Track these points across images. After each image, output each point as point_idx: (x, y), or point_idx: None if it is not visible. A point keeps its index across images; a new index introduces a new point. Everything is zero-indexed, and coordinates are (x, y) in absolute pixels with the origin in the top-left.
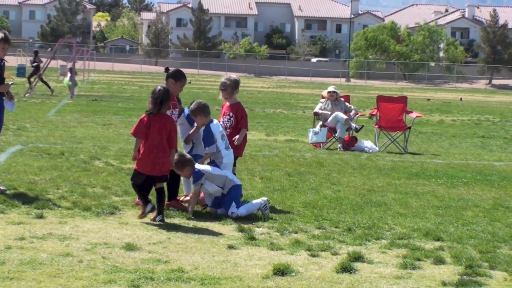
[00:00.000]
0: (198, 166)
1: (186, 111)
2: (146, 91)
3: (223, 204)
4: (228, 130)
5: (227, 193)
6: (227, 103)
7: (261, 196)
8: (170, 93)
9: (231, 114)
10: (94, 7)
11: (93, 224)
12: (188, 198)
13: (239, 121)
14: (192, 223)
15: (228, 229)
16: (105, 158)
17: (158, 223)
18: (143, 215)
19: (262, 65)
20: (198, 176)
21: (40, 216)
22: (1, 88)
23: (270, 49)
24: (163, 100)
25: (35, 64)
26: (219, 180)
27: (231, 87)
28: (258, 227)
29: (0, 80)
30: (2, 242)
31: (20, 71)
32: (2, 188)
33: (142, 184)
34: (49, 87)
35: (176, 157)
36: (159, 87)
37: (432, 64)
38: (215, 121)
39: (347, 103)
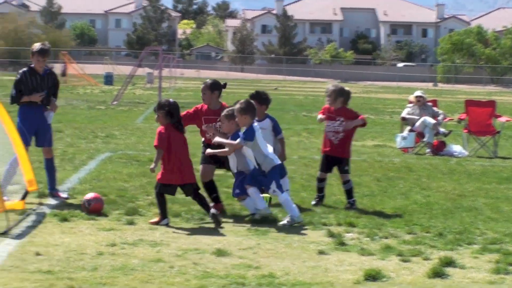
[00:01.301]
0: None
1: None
2: (233, 98)
3: (263, 183)
4: (341, 134)
5: (268, 172)
6: (332, 108)
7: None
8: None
9: (341, 119)
10: (179, 14)
11: (184, 230)
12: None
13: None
14: (281, 229)
15: (318, 234)
16: (194, 165)
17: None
18: (154, 224)
19: (348, 71)
20: (250, 135)
21: (131, 223)
22: (33, 98)
23: (355, 55)
24: (172, 111)
25: None
26: (260, 154)
27: (335, 93)
28: (348, 233)
29: (52, 92)
30: (94, 248)
31: (108, 79)
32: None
33: (164, 195)
34: None
35: (224, 111)
36: (170, 100)
37: None
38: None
39: (434, 108)
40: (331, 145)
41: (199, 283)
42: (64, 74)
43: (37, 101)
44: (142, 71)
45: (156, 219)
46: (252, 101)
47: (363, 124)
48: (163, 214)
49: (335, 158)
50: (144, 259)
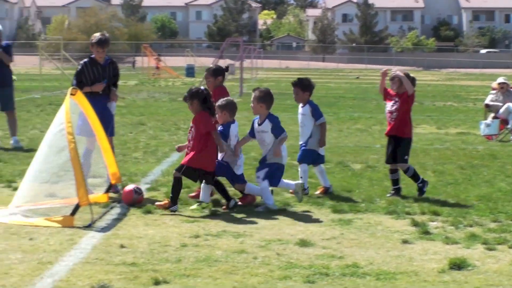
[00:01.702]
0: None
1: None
2: (315, 88)
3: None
4: (394, 114)
5: (268, 164)
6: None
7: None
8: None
9: (397, 99)
10: (260, 5)
11: (267, 221)
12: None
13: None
14: (365, 219)
15: (401, 223)
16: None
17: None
18: (161, 207)
19: (430, 58)
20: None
21: (214, 214)
22: (94, 88)
23: (437, 42)
24: (207, 98)
25: None
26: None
27: (401, 80)
28: (432, 221)
29: (112, 82)
30: (178, 240)
31: (189, 71)
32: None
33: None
34: None
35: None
36: (201, 87)
37: None
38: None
39: None
40: (389, 125)
41: (283, 274)
42: (157, 67)
43: (99, 91)
44: (223, 62)
45: (164, 202)
46: (270, 91)
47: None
48: (175, 200)
49: (395, 138)
50: (227, 250)
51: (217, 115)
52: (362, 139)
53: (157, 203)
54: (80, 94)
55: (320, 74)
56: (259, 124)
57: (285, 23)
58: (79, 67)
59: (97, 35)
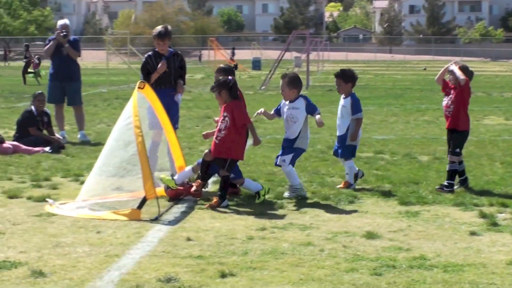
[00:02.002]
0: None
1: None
2: (381, 80)
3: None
4: (451, 107)
5: (294, 148)
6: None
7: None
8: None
9: (452, 92)
10: None
11: (333, 213)
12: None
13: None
14: (432, 210)
15: (469, 215)
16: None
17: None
18: (212, 207)
19: (498, 49)
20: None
21: (281, 206)
22: (159, 69)
23: (505, 32)
24: (235, 88)
25: (26, 58)
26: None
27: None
28: (500, 213)
29: (178, 74)
30: (244, 232)
31: (255, 64)
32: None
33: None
34: (24, 82)
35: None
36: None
37: None
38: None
39: None
40: (446, 119)
41: (349, 266)
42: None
43: (165, 70)
44: (290, 55)
45: (213, 201)
46: (298, 75)
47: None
48: (224, 196)
49: (453, 131)
50: (294, 243)
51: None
52: (429, 131)
53: (207, 204)
54: (148, 88)
55: (387, 66)
56: (291, 102)
57: (352, 15)
58: (144, 60)
59: (158, 28)
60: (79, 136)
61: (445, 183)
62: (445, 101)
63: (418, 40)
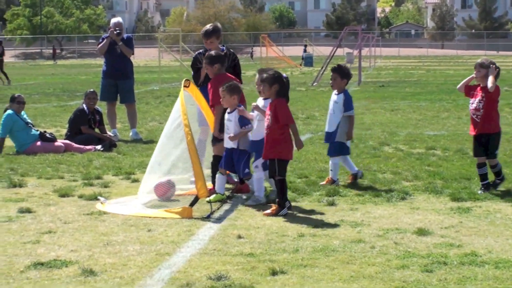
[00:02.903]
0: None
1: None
2: (433, 75)
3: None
4: (481, 111)
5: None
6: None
7: None
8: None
9: (483, 95)
10: None
11: (384, 210)
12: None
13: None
14: (484, 206)
15: None
16: (394, 144)
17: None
18: (271, 215)
19: None
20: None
21: (332, 204)
22: (203, 70)
23: None
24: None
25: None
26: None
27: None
28: None
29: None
30: (295, 230)
31: (308, 60)
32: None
33: None
34: (7, 78)
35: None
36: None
37: None
38: None
39: None
40: (474, 124)
41: (401, 263)
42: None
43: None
44: (342, 51)
45: (271, 209)
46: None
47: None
48: (284, 203)
49: (483, 135)
50: (345, 240)
51: (223, 99)
52: None
53: (264, 212)
54: (192, 86)
55: (439, 61)
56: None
57: (404, 10)
58: (193, 57)
59: (206, 26)
60: (131, 134)
61: (497, 180)
62: (473, 104)
63: (470, 35)
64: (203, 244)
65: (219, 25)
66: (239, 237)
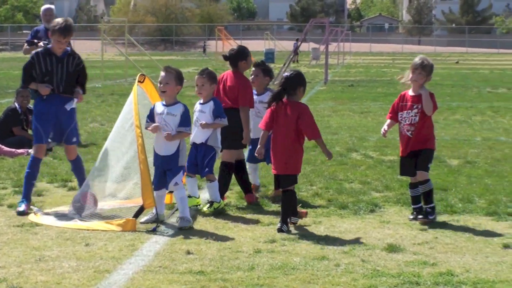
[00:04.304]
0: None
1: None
2: None
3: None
4: (415, 125)
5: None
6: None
7: None
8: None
9: (419, 106)
10: None
11: (351, 224)
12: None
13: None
14: (462, 221)
15: (503, 226)
16: (363, 150)
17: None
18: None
19: None
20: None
21: None
22: (40, 89)
23: None
24: None
25: None
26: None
27: (428, 68)
28: None
29: (73, 80)
30: (251, 245)
31: (269, 56)
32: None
33: None
34: None
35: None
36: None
37: None
38: None
39: None
40: (405, 141)
41: (368, 283)
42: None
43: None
44: (307, 46)
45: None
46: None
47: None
48: (286, 219)
49: (415, 152)
50: (306, 257)
51: (202, 87)
52: (460, 131)
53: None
54: (148, 81)
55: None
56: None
57: (377, 1)
58: (30, 58)
59: (59, 20)
60: None
61: (428, 209)
62: (406, 117)
63: (450, 30)
64: (147, 260)
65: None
66: (188, 252)
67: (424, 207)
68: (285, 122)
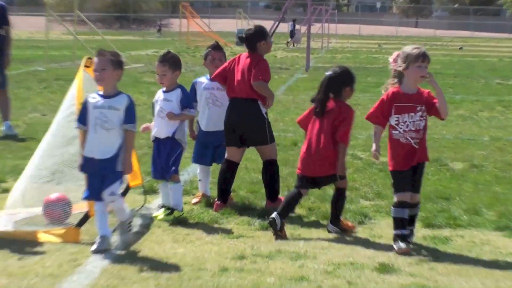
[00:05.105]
0: None
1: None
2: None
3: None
4: (421, 132)
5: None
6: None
7: None
8: None
9: (423, 107)
10: None
11: (335, 238)
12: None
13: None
14: (467, 236)
15: None
16: (351, 150)
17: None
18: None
19: None
20: None
21: (266, 227)
22: None
23: None
24: None
25: None
26: None
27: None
28: None
29: None
30: (216, 262)
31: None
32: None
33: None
34: None
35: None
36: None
37: None
38: None
39: None
40: (408, 152)
41: None
42: None
43: None
44: (286, 27)
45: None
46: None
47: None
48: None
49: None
50: (282, 277)
51: (163, 77)
52: (465, 129)
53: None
54: None
55: (412, 43)
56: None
57: None
58: None
59: None
60: (3, 128)
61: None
62: (409, 122)
63: (452, 11)
64: (92, 278)
65: None
66: (141, 270)
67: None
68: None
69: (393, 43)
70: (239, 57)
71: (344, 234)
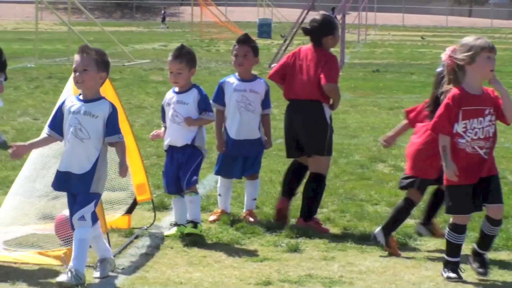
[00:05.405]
0: None
1: None
2: None
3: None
4: (491, 140)
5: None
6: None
7: None
8: None
9: (491, 109)
10: None
11: (375, 261)
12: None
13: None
14: None
15: None
16: (393, 160)
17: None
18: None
19: None
20: None
21: (295, 249)
22: None
23: None
24: None
25: None
26: None
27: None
28: None
29: None
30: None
31: (263, 29)
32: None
33: None
34: None
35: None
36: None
37: None
38: None
39: None
40: (479, 165)
41: None
42: None
43: None
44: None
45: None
46: None
47: None
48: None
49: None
50: None
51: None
52: None
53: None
54: None
55: (464, 34)
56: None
57: None
58: None
59: None
60: None
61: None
62: (478, 129)
63: None
64: None
65: None
66: None
67: (482, 253)
68: None
69: (441, 35)
70: (299, 51)
71: (385, 255)
